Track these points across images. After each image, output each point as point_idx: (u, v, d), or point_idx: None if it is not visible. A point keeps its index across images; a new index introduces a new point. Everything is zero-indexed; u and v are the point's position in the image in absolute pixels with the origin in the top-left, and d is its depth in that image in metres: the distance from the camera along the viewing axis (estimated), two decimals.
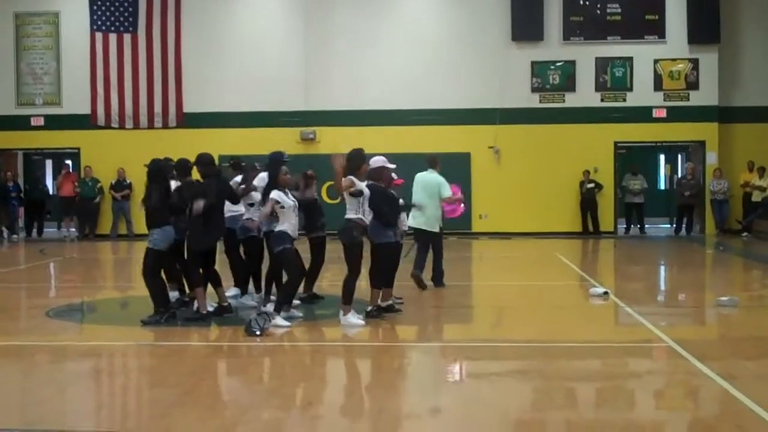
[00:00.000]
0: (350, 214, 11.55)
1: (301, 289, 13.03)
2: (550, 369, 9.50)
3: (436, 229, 15.17)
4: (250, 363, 10.14)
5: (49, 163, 33.81)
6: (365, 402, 8.39)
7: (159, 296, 11.99)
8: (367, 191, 11.60)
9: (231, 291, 13.52)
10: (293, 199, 11.79)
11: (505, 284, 16.87)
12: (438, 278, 15.32)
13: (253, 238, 13.17)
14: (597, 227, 27.05)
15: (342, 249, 11.74)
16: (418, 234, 15.14)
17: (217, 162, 13.12)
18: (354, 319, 11.50)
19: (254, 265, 13.50)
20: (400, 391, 8.80)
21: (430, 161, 15.69)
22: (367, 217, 11.60)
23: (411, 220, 14.70)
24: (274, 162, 12.18)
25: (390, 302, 12.53)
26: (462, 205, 16.36)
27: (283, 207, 11.52)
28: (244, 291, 13.49)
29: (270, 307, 11.99)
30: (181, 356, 10.56)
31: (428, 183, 15.19)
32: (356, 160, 11.72)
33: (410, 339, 11.59)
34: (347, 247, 11.61)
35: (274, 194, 11.54)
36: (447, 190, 15.16)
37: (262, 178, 12.98)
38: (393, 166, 12.47)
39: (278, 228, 11.64)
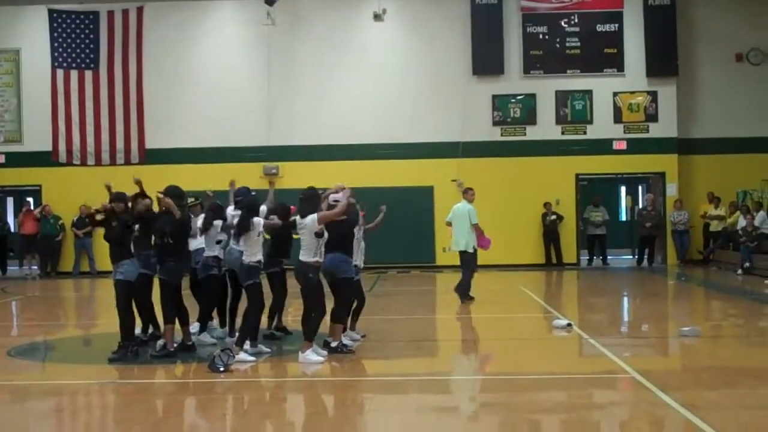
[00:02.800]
0: (306, 257, 11.51)
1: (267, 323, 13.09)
2: (515, 401, 9.53)
3: (471, 250, 18.13)
4: (213, 400, 10.09)
5: (10, 201, 33.52)
6: None
7: (129, 329, 11.93)
8: (325, 234, 11.61)
9: (193, 327, 13.44)
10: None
11: (468, 317, 16.89)
12: (464, 292, 18.05)
13: (214, 276, 13.13)
14: (560, 259, 27.17)
15: (299, 288, 11.72)
16: (460, 254, 18.24)
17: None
18: (313, 355, 11.45)
19: (216, 301, 13.44)
20: (363, 427, 8.79)
21: (462, 192, 19.19)
22: (322, 257, 11.61)
23: (453, 246, 18.43)
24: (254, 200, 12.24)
25: (344, 341, 12.47)
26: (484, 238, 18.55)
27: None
28: (203, 327, 13.40)
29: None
30: (145, 394, 10.50)
31: (460, 211, 18.31)
32: (314, 199, 11.76)
33: (373, 373, 11.57)
34: (305, 287, 11.59)
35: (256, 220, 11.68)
36: (475, 217, 18.22)
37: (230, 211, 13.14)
38: (351, 200, 12.51)
39: (252, 260, 11.65)
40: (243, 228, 11.80)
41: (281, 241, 13.11)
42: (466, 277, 18.28)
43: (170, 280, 12.14)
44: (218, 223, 13.05)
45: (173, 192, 12.39)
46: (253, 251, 11.74)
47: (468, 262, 18.29)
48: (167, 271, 12.09)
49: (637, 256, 28.17)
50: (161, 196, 12.37)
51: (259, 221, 11.78)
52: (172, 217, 12.06)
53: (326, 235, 11.59)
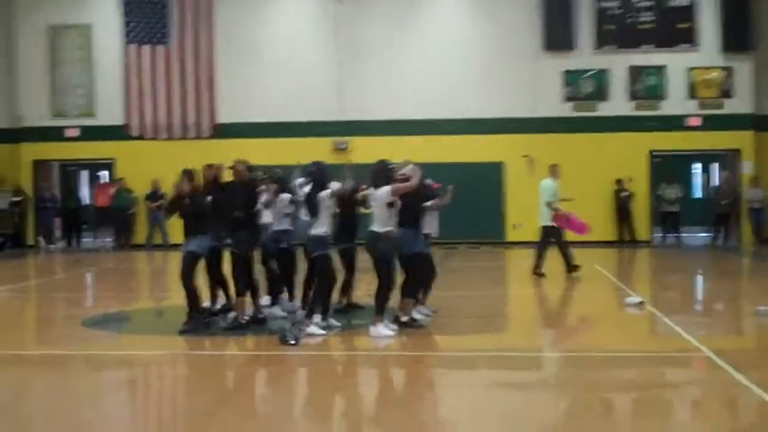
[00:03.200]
0: (378, 227, 11.51)
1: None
2: (586, 379, 9.45)
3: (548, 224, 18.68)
4: (283, 372, 10.14)
5: (84, 174, 34.07)
6: (397, 412, 8.34)
7: (195, 300, 12.03)
8: (398, 202, 11.59)
9: (263, 300, 13.55)
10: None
11: (538, 293, 16.78)
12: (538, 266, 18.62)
13: (283, 249, 13.20)
14: (633, 236, 26.90)
15: (371, 261, 11.73)
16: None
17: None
18: (384, 330, 11.45)
19: (285, 274, 13.51)
20: (432, 402, 8.78)
21: (551, 169, 19.71)
22: (395, 227, 11.58)
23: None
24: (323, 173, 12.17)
25: (416, 316, 12.46)
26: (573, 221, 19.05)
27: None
28: (275, 301, 13.49)
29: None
30: (216, 366, 10.61)
31: (542, 187, 19.05)
32: (389, 171, 11.72)
33: (442, 348, 11.55)
34: (377, 260, 11.60)
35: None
36: (547, 194, 18.87)
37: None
38: (427, 180, 12.53)
39: (318, 231, 11.66)
40: (311, 200, 11.81)
41: (349, 218, 13.08)
42: (541, 251, 18.79)
43: (241, 253, 12.21)
44: (285, 196, 13.10)
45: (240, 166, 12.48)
46: (320, 223, 11.71)
47: (544, 237, 18.82)
48: (238, 243, 12.17)
49: (712, 234, 27.71)
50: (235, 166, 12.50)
51: (325, 194, 11.73)
52: (240, 190, 12.14)
53: (399, 203, 11.56)
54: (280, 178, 13.48)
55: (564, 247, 18.85)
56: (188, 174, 12.28)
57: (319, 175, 12.11)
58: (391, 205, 11.45)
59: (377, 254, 11.54)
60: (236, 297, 12.31)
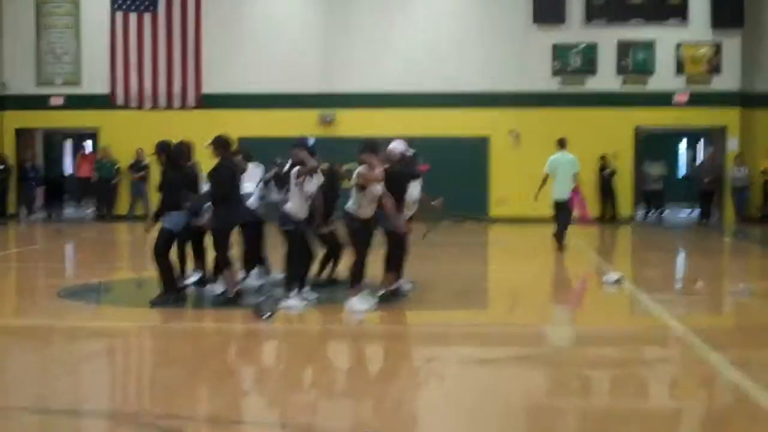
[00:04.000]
0: (350, 204, 11.48)
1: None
2: (560, 355, 9.46)
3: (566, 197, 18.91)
4: (255, 345, 10.11)
5: (68, 143, 33.91)
6: (368, 386, 8.32)
7: (168, 276, 11.95)
8: (376, 190, 11.49)
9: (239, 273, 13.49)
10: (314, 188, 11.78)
11: (519, 270, 16.76)
12: (560, 239, 18.81)
13: (253, 223, 13.12)
14: (615, 214, 26.89)
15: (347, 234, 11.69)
16: (557, 203, 19.04)
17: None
18: (359, 303, 11.40)
19: (258, 247, 13.47)
20: (405, 376, 8.75)
21: (562, 143, 19.72)
22: (364, 209, 11.50)
23: (554, 194, 19.03)
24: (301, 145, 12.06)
25: (397, 286, 12.45)
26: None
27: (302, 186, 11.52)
28: (248, 272, 13.41)
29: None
30: (189, 338, 10.56)
31: (564, 160, 19.12)
32: (367, 150, 11.60)
33: (417, 323, 11.52)
34: (350, 234, 11.57)
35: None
36: (576, 167, 19.11)
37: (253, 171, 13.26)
38: (410, 151, 12.41)
39: (288, 206, 11.61)
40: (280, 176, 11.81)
41: (328, 193, 13.00)
42: (566, 224, 19.12)
43: (222, 227, 12.11)
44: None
45: (220, 141, 12.34)
46: (290, 198, 11.64)
47: (569, 211, 19.15)
48: (219, 218, 12.05)
49: (698, 211, 27.69)
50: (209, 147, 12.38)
51: (295, 170, 11.63)
52: (218, 168, 12.06)
53: (375, 191, 11.47)
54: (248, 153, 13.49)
55: (567, 222, 19.17)
56: (162, 147, 12.16)
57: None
58: (362, 188, 11.37)
59: (348, 228, 11.50)
60: (224, 271, 12.20)
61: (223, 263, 12.13)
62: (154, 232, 12.15)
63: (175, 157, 12.14)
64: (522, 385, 8.25)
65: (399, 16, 27.52)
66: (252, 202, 13.01)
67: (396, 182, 11.90)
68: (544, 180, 19.22)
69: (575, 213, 19.55)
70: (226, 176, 12.08)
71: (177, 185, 12.01)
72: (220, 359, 9.37)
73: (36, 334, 10.70)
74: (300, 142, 12.15)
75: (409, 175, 12.37)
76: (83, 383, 8.50)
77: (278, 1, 27.96)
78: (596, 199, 26.90)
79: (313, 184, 11.75)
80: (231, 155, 12.49)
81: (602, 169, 26.75)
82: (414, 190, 12.60)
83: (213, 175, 12.04)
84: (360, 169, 11.46)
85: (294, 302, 11.49)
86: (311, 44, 27.65)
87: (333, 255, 13.57)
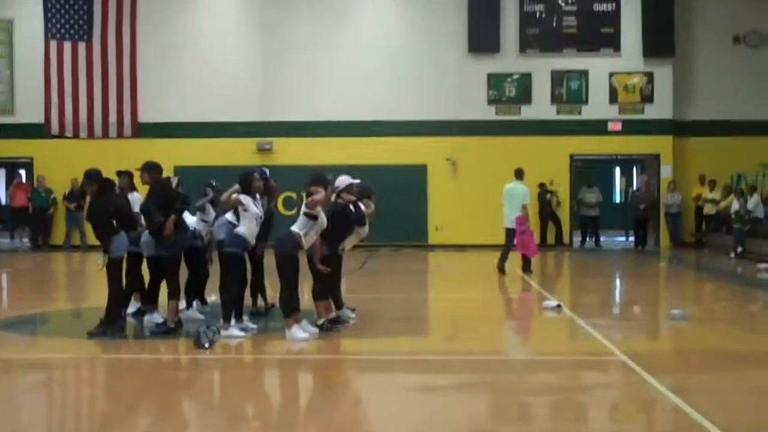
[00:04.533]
0: (294, 227, 11.44)
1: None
2: (502, 382, 9.48)
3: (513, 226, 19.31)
4: (196, 376, 10.03)
5: (1, 173, 33.44)
6: (310, 416, 8.29)
7: (115, 306, 11.76)
8: (323, 220, 11.51)
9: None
10: (260, 210, 11.73)
11: (459, 297, 16.81)
12: (501, 266, 19.43)
13: (197, 249, 13.07)
14: (561, 238, 27.17)
15: (275, 262, 11.62)
16: (507, 231, 19.47)
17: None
18: (298, 332, 11.35)
19: (200, 276, 13.40)
20: (347, 405, 8.72)
21: (518, 173, 19.92)
22: (309, 238, 11.49)
23: (505, 222, 19.45)
24: (249, 173, 12.07)
25: (337, 314, 12.45)
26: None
27: (246, 210, 11.47)
28: (188, 304, 13.33)
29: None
30: (128, 369, 10.44)
31: (516, 191, 19.44)
32: (316, 179, 11.67)
33: (359, 352, 11.49)
34: (282, 259, 11.46)
35: (243, 197, 11.49)
36: (526, 198, 19.50)
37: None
38: (356, 181, 12.47)
39: (237, 230, 11.56)
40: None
41: (267, 219, 13.02)
42: (509, 250, 19.65)
43: (170, 255, 12.01)
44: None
45: (150, 167, 12.28)
46: (246, 225, 11.61)
47: (512, 239, 19.57)
48: (167, 246, 11.95)
49: (632, 238, 28.11)
50: (139, 172, 12.33)
51: (245, 197, 11.61)
52: (158, 195, 11.97)
53: (322, 221, 11.50)
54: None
55: (510, 249, 19.64)
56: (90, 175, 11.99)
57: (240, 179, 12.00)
58: (310, 217, 11.38)
59: (280, 252, 11.41)
60: (169, 300, 12.07)
61: (173, 292, 12.01)
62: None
63: (105, 185, 11.98)
64: (465, 412, 8.27)
65: (337, 44, 27.59)
66: (195, 226, 12.97)
67: (345, 219, 11.98)
68: (502, 208, 19.76)
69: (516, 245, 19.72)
70: (164, 199, 12.02)
71: (108, 213, 11.83)
72: (159, 391, 9.27)
73: None
74: (252, 170, 12.27)
75: (355, 218, 12.41)
76: (19, 417, 8.35)
77: (215, 28, 27.87)
78: (538, 225, 27.05)
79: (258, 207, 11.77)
80: (163, 179, 12.46)
81: (543, 194, 26.96)
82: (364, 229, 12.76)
83: (153, 200, 11.96)
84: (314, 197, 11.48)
85: (235, 332, 11.42)
86: (248, 72, 27.61)
87: (260, 282, 13.55)
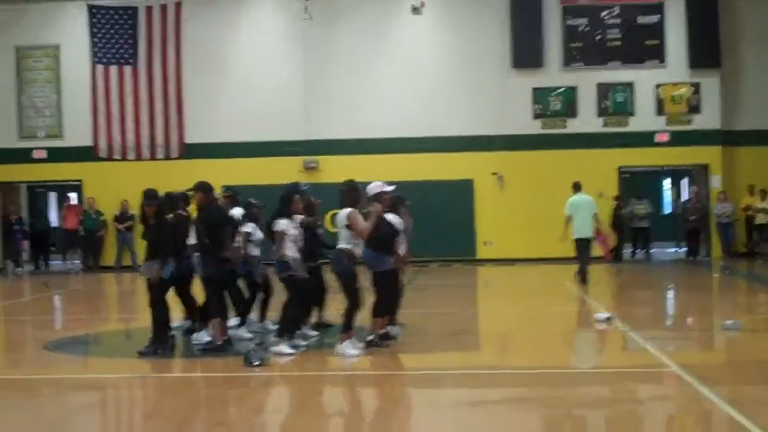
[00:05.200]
0: (341, 244, 11.46)
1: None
2: (553, 396, 9.38)
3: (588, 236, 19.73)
4: (246, 394, 10.02)
5: (52, 196, 33.84)
6: None
7: (161, 326, 11.87)
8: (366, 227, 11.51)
9: (231, 321, 13.48)
10: (298, 228, 11.74)
11: (509, 310, 16.74)
12: (582, 276, 19.65)
13: (251, 272, 13.16)
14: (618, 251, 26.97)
15: (337, 280, 11.63)
16: (578, 241, 19.66)
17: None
18: (349, 348, 11.31)
19: (253, 295, 13.48)
20: (398, 422, 8.67)
21: (577, 186, 20.36)
22: (358, 249, 11.49)
23: (575, 233, 19.56)
24: (289, 191, 12.11)
25: (386, 330, 12.40)
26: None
27: (250, 241, 11.98)
28: (243, 321, 13.40)
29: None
30: (179, 388, 10.47)
31: (584, 202, 19.88)
32: (354, 193, 11.62)
33: (409, 367, 11.46)
34: (342, 278, 11.50)
35: (282, 221, 11.55)
36: (595, 208, 20.05)
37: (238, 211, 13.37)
38: (390, 187, 12.33)
39: (285, 254, 11.60)
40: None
41: (310, 237, 13.08)
42: (587, 262, 19.93)
43: (216, 278, 12.08)
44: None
45: (203, 187, 12.35)
46: (284, 248, 11.61)
47: (589, 249, 19.97)
48: (211, 265, 12.02)
49: (684, 249, 27.85)
50: (191, 194, 12.40)
51: (282, 223, 11.64)
52: (208, 216, 12.06)
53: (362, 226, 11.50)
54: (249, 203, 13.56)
55: (585, 258, 19.94)
56: (149, 195, 12.11)
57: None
58: (350, 227, 11.39)
59: (339, 271, 11.44)
60: (211, 319, 12.13)
61: (215, 311, 12.05)
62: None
63: (161, 206, 12.09)
64: (515, 427, 8.20)
65: (381, 62, 27.65)
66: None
67: (385, 235, 11.92)
68: (567, 221, 19.71)
69: (599, 252, 20.62)
70: (216, 220, 12.10)
71: (163, 234, 11.95)
72: (210, 410, 9.28)
73: (23, 387, 10.60)
74: (290, 188, 12.27)
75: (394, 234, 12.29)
76: None
77: (259, 48, 28.04)
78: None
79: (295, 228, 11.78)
80: (214, 199, 12.55)
81: (618, 209, 26.81)
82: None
83: (202, 220, 12.04)
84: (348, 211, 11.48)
85: (284, 349, 11.42)
86: (293, 92, 27.71)
87: (318, 298, 13.55)
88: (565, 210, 19.85)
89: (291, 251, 11.58)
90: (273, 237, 11.74)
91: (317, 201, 13.92)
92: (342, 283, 11.55)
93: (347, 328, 11.45)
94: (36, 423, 8.71)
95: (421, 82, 27.54)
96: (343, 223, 11.46)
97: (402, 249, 12.48)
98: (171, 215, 12.32)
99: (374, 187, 12.12)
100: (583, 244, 19.71)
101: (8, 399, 10.02)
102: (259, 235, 13.23)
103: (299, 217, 12.03)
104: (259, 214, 13.49)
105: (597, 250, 21.13)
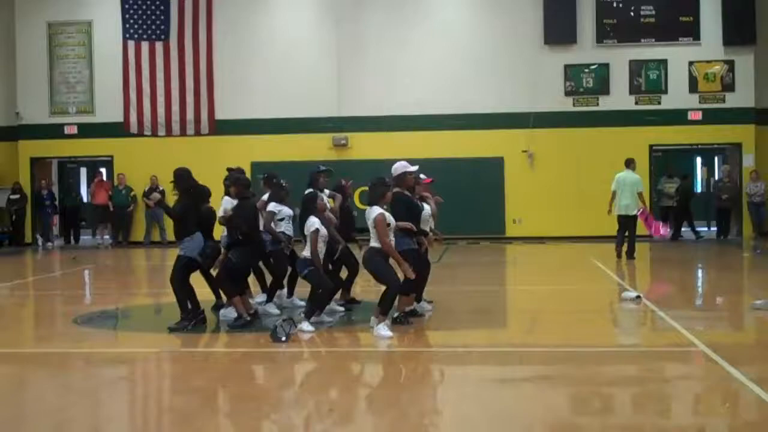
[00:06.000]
0: (372, 242, 11.42)
1: (337, 295, 13.11)
2: (580, 374, 9.35)
3: (633, 213, 20.52)
4: (274, 369, 10.06)
5: (83, 171, 34.04)
6: (387, 409, 8.24)
7: (185, 302, 11.95)
8: (393, 223, 11.44)
9: (258, 297, 13.54)
10: (321, 226, 11.78)
11: (537, 288, 16.70)
12: (630, 252, 20.57)
13: (280, 250, 13.18)
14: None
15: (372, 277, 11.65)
16: (620, 218, 20.66)
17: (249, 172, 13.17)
18: (384, 330, 11.22)
19: (281, 273, 13.49)
20: (423, 398, 8.67)
21: (628, 163, 21.01)
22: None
23: (617, 210, 20.64)
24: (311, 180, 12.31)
25: (413, 307, 12.40)
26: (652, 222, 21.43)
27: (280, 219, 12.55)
28: (270, 297, 13.44)
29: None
30: (206, 362, 10.53)
31: (629, 179, 20.56)
32: (380, 189, 11.54)
33: (436, 344, 11.44)
34: (378, 275, 11.47)
35: (312, 220, 11.72)
36: (640, 186, 20.71)
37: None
38: (414, 167, 12.29)
39: (302, 254, 11.69)
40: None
41: (345, 217, 13.13)
42: (633, 237, 20.78)
43: (241, 266, 12.18)
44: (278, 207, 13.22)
45: (238, 180, 12.57)
46: (305, 246, 11.69)
47: (631, 226, 20.67)
48: (239, 257, 12.12)
49: (715, 229, 27.64)
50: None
51: (311, 223, 11.70)
52: (239, 209, 12.18)
53: (392, 223, 11.44)
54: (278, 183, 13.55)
55: (625, 235, 20.80)
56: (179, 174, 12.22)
57: (304, 199, 12.16)
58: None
59: (372, 269, 11.43)
60: (229, 298, 12.23)
61: (230, 291, 12.16)
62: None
63: (189, 184, 12.13)
64: (542, 405, 8.17)
65: (412, 39, 27.52)
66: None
67: (404, 205, 11.89)
68: (613, 195, 20.71)
69: (647, 231, 21.23)
70: (249, 215, 12.22)
71: (191, 212, 12.00)
72: (238, 384, 9.31)
73: (53, 361, 10.69)
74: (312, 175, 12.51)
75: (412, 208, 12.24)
76: (100, 410, 8.46)
77: (290, 26, 28.00)
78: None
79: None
80: (249, 193, 12.63)
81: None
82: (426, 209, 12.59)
83: (237, 213, 12.18)
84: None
85: (305, 326, 11.42)
86: (324, 69, 27.66)
87: (349, 274, 13.59)
88: (612, 185, 20.73)
89: (308, 252, 11.65)
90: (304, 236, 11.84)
91: (348, 182, 13.92)
92: (378, 277, 11.52)
93: (384, 312, 11.40)
94: (65, 396, 8.77)
95: (452, 58, 27.40)
96: (371, 223, 11.40)
97: (427, 227, 12.48)
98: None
99: (398, 168, 12.11)
100: (622, 221, 20.56)
101: (38, 372, 10.12)
102: (287, 211, 13.22)
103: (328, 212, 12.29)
104: (284, 194, 13.43)
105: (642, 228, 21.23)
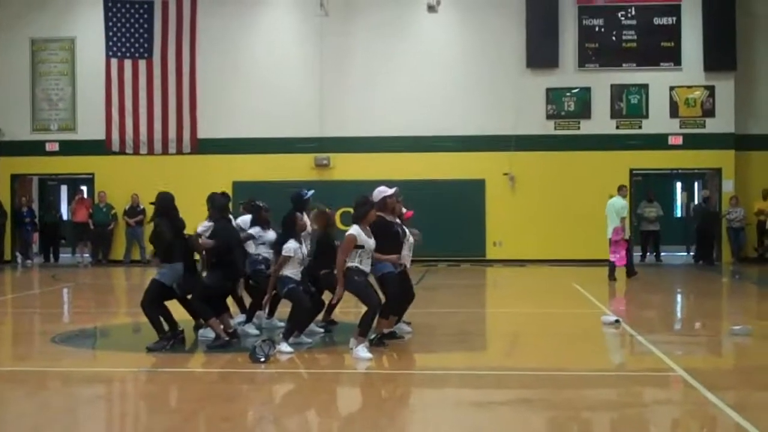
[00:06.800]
0: (350, 262, 11.40)
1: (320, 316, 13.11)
2: (558, 398, 9.35)
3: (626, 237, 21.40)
4: (252, 389, 10.02)
5: (63, 189, 33.91)
6: (363, 431, 8.23)
7: (158, 323, 11.90)
8: (371, 244, 11.44)
9: (238, 318, 13.51)
10: (302, 246, 11.84)
11: (516, 312, 16.72)
12: (629, 272, 21.81)
13: (260, 271, 13.18)
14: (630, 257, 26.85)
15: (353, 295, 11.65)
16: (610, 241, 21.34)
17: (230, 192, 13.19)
18: (363, 352, 11.20)
19: (260, 296, 13.46)
20: (401, 421, 8.65)
21: (619, 188, 21.89)
22: (366, 264, 11.46)
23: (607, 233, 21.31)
24: (295, 204, 12.45)
25: (393, 330, 12.41)
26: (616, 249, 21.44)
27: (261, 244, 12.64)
28: (249, 318, 13.42)
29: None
30: (184, 382, 10.48)
31: (617, 204, 21.30)
32: (363, 208, 11.55)
33: (415, 366, 11.44)
34: (355, 293, 11.50)
35: (290, 245, 11.71)
36: (624, 211, 21.38)
37: (244, 220, 13.61)
38: (392, 190, 12.28)
39: (283, 272, 11.69)
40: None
41: (327, 243, 13.11)
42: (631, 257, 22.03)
43: (215, 288, 12.16)
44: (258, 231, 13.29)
45: (219, 203, 12.62)
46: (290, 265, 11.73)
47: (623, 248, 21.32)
48: (213, 279, 12.11)
49: (693, 253, 27.76)
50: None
51: (288, 248, 11.74)
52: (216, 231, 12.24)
53: (370, 245, 11.44)
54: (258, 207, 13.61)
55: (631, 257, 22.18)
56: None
57: (284, 221, 12.20)
58: (358, 246, 11.35)
59: (352, 289, 11.44)
60: (206, 321, 12.21)
61: (205, 313, 12.14)
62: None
63: (167, 208, 12.09)
64: (520, 429, 8.17)
65: (395, 61, 27.60)
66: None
67: (385, 232, 11.90)
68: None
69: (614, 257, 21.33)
70: (230, 237, 12.24)
71: (170, 237, 11.94)
72: (215, 405, 9.27)
73: (30, 379, 10.61)
74: (293, 198, 12.56)
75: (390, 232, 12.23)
76: (78, 429, 8.41)
77: (274, 44, 28.01)
78: (594, 239, 26.63)
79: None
80: (228, 216, 12.67)
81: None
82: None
83: (216, 234, 12.21)
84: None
85: (284, 347, 11.39)
86: (306, 89, 27.67)
87: (331, 300, 13.56)
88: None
89: (291, 270, 11.66)
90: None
91: (330, 210, 13.85)
92: (358, 297, 11.53)
93: (363, 333, 11.39)
94: (42, 415, 8.72)
95: (435, 80, 27.48)
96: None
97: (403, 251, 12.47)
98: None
99: (376, 195, 12.11)
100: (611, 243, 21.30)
101: (15, 391, 10.05)
102: (269, 236, 13.26)
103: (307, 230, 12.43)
104: (267, 215, 13.51)
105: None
